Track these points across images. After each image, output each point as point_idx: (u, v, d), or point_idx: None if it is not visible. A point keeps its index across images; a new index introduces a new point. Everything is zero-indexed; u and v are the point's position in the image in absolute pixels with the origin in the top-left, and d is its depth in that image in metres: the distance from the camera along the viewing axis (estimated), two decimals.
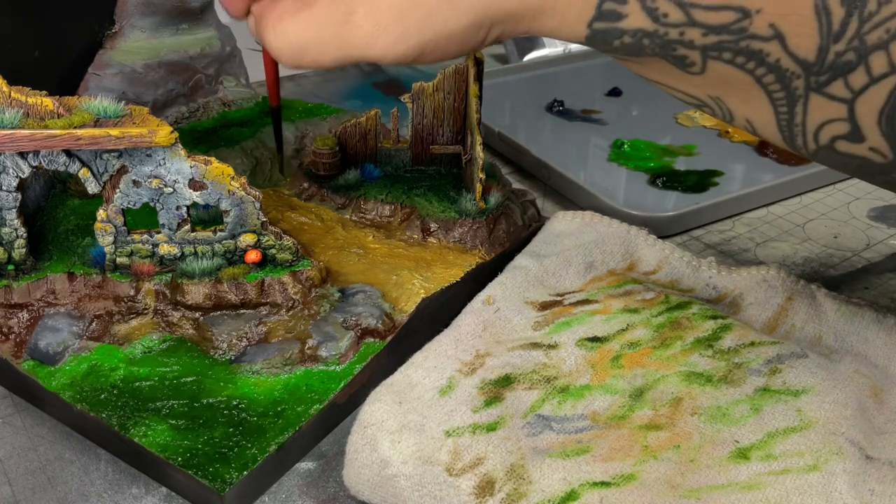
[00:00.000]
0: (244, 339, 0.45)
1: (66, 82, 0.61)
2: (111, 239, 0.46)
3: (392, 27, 0.35)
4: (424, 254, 0.51)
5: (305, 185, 0.56)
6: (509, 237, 0.52)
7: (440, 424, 0.37)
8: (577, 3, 0.34)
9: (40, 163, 0.43)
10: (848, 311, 0.44)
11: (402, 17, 0.34)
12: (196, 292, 0.46)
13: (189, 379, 0.42)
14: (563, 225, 0.51)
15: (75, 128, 0.42)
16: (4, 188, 0.44)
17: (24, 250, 0.46)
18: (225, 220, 0.46)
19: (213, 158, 0.44)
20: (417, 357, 0.41)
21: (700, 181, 0.63)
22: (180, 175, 0.44)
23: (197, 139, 0.62)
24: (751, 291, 0.46)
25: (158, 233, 0.46)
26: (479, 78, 0.52)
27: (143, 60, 0.63)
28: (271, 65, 0.51)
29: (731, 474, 0.35)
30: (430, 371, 0.40)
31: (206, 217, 0.47)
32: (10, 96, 0.42)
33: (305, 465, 0.41)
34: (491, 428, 0.37)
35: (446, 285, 0.48)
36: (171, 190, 0.44)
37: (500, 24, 0.35)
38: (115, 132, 0.42)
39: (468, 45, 0.36)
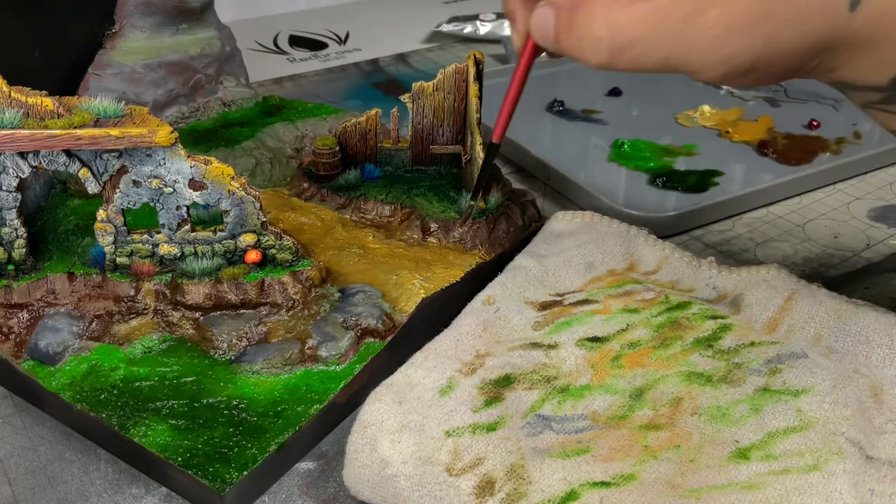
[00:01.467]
0: (244, 339, 0.45)
1: (66, 82, 0.61)
2: (111, 239, 0.46)
3: (742, 35, 0.33)
4: (424, 254, 0.51)
5: (305, 185, 0.56)
6: (509, 237, 0.52)
7: (440, 424, 0.37)
8: None
9: (40, 163, 0.43)
10: (848, 311, 0.44)
11: (754, 27, 0.33)
12: (196, 292, 0.46)
13: (189, 379, 0.42)
14: (563, 225, 0.51)
15: (75, 128, 0.42)
16: (4, 188, 0.44)
17: (24, 250, 0.46)
18: (225, 220, 0.46)
19: (213, 158, 0.44)
20: (417, 357, 0.41)
21: (700, 181, 0.63)
22: (180, 175, 0.44)
23: (197, 139, 0.62)
24: (751, 291, 0.46)
25: (158, 233, 0.46)
26: (479, 78, 0.52)
27: (143, 60, 0.63)
28: (518, 88, 0.44)
29: (731, 474, 0.35)
30: (430, 371, 0.40)
31: (206, 217, 0.47)
32: (10, 96, 0.42)
33: (305, 465, 0.41)
34: (491, 428, 0.37)
35: (446, 285, 0.48)
36: (171, 190, 0.44)
37: (826, 54, 0.34)
38: (115, 132, 0.42)
39: (791, 70, 0.35)
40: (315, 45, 0.94)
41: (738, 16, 0.33)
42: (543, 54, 0.40)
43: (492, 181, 0.54)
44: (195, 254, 0.46)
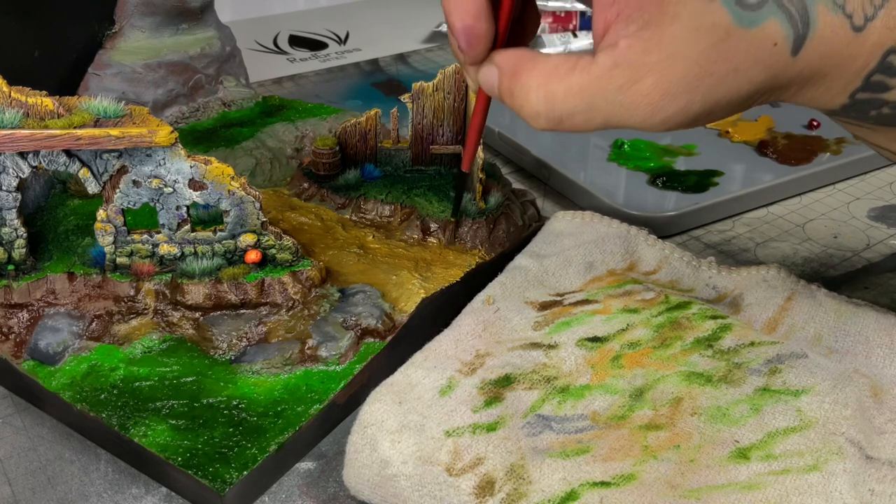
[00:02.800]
0: (244, 339, 0.45)
1: (66, 82, 0.61)
2: (111, 239, 0.46)
3: (679, 97, 0.33)
4: (424, 254, 0.51)
5: (305, 185, 0.56)
6: (509, 237, 0.52)
7: (440, 424, 0.37)
8: (847, 73, 0.34)
9: (40, 163, 0.43)
10: (848, 311, 0.44)
11: (692, 87, 0.33)
12: (196, 292, 0.46)
13: (189, 379, 0.42)
14: (563, 225, 0.51)
15: (75, 128, 0.42)
16: (4, 188, 0.44)
17: (24, 250, 0.46)
18: (225, 220, 0.46)
19: (213, 158, 0.44)
20: (417, 357, 0.41)
21: (700, 181, 0.63)
22: (180, 175, 0.44)
23: (197, 139, 0.62)
24: (751, 291, 0.46)
25: (158, 233, 0.46)
26: None
27: (143, 60, 0.63)
28: (479, 122, 0.43)
29: (731, 474, 0.35)
30: (430, 371, 0.40)
31: (206, 217, 0.47)
32: (10, 96, 0.42)
33: (305, 465, 0.41)
34: (491, 428, 0.37)
35: (446, 285, 0.48)
36: (171, 190, 0.44)
37: (769, 93, 0.34)
38: (115, 132, 0.42)
39: (735, 111, 0.35)
40: (315, 45, 0.94)
41: (673, 81, 0.33)
42: None
43: (491, 181, 0.54)
44: (195, 254, 0.46)
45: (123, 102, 0.44)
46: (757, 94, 0.34)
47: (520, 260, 0.48)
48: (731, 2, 0.32)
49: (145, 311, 0.45)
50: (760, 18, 0.32)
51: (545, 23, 0.91)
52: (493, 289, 0.46)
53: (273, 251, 0.47)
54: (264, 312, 0.46)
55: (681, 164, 0.65)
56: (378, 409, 0.38)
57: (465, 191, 0.50)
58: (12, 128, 0.41)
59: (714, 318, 0.43)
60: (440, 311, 0.46)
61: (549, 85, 0.34)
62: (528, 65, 0.35)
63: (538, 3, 0.40)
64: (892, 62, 0.34)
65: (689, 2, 0.32)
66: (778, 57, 0.33)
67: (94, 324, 0.45)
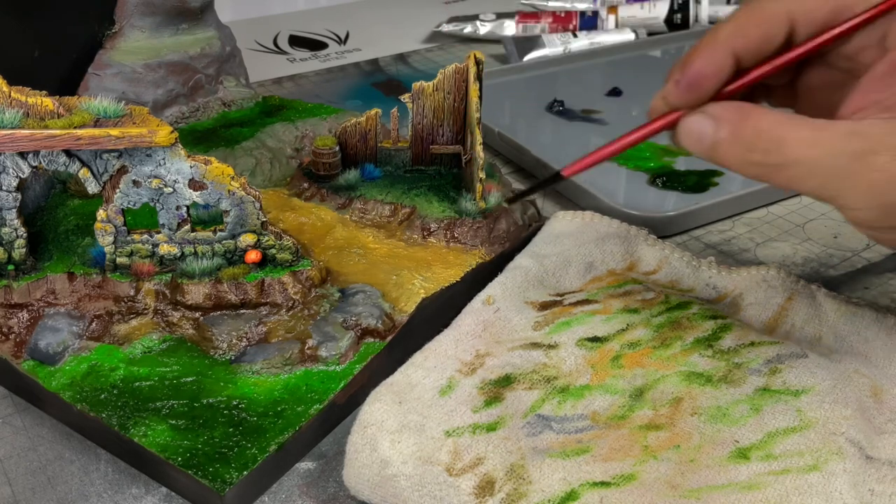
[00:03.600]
0: (244, 339, 0.45)
1: (66, 82, 0.61)
2: (111, 239, 0.46)
3: None
4: (424, 254, 0.51)
5: (305, 185, 0.56)
6: (509, 237, 0.52)
7: (440, 424, 0.37)
8: None
9: (40, 163, 0.43)
10: (848, 311, 0.44)
11: None
12: (196, 292, 0.46)
13: (189, 379, 0.42)
14: (563, 225, 0.51)
15: (75, 128, 0.42)
16: (4, 188, 0.44)
17: (24, 250, 0.46)
18: (225, 220, 0.46)
19: (213, 158, 0.44)
20: (417, 357, 0.41)
21: (700, 181, 0.63)
22: (180, 175, 0.44)
23: (197, 139, 0.62)
24: (751, 291, 0.46)
25: (158, 233, 0.46)
26: (479, 78, 0.52)
27: (143, 60, 0.63)
28: (635, 141, 0.39)
29: (731, 474, 0.35)
30: (430, 371, 0.40)
31: (206, 217, 0.47)
32: (10, 96, 0.42)
33: (305, 465, 0.41)
34: (491, 428, 0.37)
35: (446, 285, 0.48)
36: (171, 190, 0.44)
37: None
38: (115, 132, 0.42)
39: None
40: (315, 45, 0.94)
41: None
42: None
43: (491, 181, 0.54)
44: (195, 254, 0.46)
45: (123, 102, 0.44)
46: None
47: (520, 260, 0.48)
48: None
49: (145, 311, 0.45)
50: None
51: (545, 23, 0.92)
52: (493, 289, 0.46)
53: (273, 251, 0.47)
54: (264, 312, 0.46)
55: (681, 164, 0.65)
56: (378, 409, 0.38)
57: (540, 187, 0.48)
58: (12, 128, 0.41)
59: (714, 318, 0.43)
60: (440, 311, 0.46)
61: (784, 129, 0.34)
62: (761, 110, 0.35)
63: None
64: None
65: None
66: None
67: (94, 324, 0.45)
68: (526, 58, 0.86)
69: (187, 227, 0.46)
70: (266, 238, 0.46)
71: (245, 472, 0.38)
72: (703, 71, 0.36)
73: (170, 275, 0.46)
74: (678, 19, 0.92)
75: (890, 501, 0.34)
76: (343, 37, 0.97)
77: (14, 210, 0.45)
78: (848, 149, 0.32)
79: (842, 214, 0.34)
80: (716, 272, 0.48)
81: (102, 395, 0.41)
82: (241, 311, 0.46)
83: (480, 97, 0.52)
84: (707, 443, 0.36)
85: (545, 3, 1.01)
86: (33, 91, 0.43)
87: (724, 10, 0.94)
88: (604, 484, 0.35)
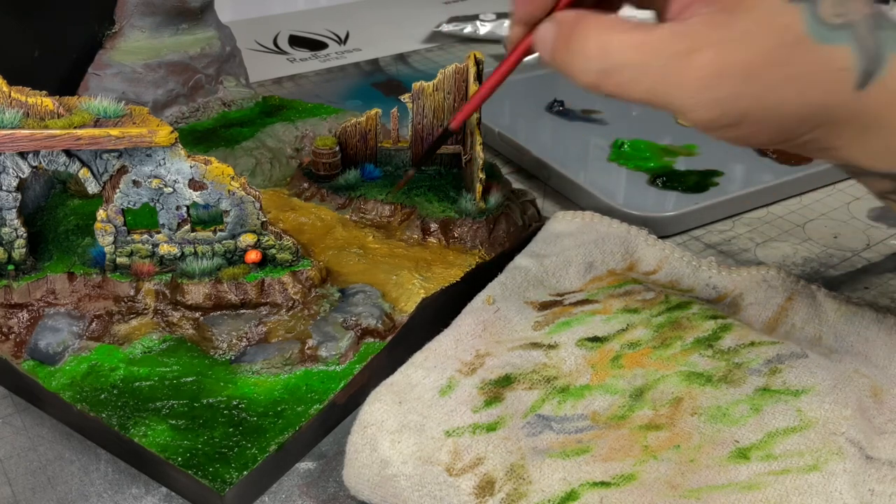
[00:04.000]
0: (244, 339, 0.45)
1: (66, 82, 0.61)
2: (111, 239, 0.46)
3: (732, 83, 0.32)
4: (424, 254, 0.51)
5: (305, 185, 0.56)
6: (509, 237, 0.52)
7: (440, 424, 0.37)
8: None
9: (40, 163, 0.43)
10: (848, 311, 0.44)
11: (747, 78, 0.32)
12: (196, 292, 0.46)
13: (189, 379, 0.42)
14: (563, 225, 0.51)
15: (75, 128, 0.42)
16: (4, 188, 0.44)
17: (24, 250, 0.46)
18: (225, 220, 0.46)
19: (213, 158, 0.44)
20: (417, 357, 0.41)
21: (700, 181, 0.63)
22: (180, 175, 0.44)
23: (197, 139, 0.62)
24: (751, 291, 0.46)
25: (158, 233, 0.46)
26: (479, 78, 0.52)
27: (143, 60, 0.63)
28: (492, 86, 0.42)
29: (731, 474, 0.35)
30: (430, 371, 0.40)
31: (206, 217, 0.47)
32: (10, 96, 0.42)
33: (305, 465, 0.41)
34: (491, 428, 0.37)
35: (446, 285, 0.48)
36: (171, 190, 0.44)
37: (825, 127, 0.33)
38: (115, 132, 0.42)
39: (782, 135, 0.34)
40: (315, 45, 0.94)
41: (731, 63, 0.32)
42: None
43: (492, 181, 0.54)
44: (195, 254, 0.46)
45: (123, 102, 0.44)
46: (810, 122, 0.33)
47: (520, 260, 0.48)
48: (810, 12, 0.32)
49: (145, 311, 0.45)
50: (834, 39, 0.32)
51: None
52: (493, 289, 0.46)
53: (273, 251, 0.47)
54: (264, 312, 0.46)
55: (681, 164, 0.65)
56: (378, 409, 0.38)
57: (438, 147, 0.49)
58: (12, 128, 0.41)
59: (714, 318, 0.43)
60: (440, 311, 0.46)
61: (608, 34, 0.34)
62: (591, 17, 0.35)
63: None
64: None
65: None
66: (841, 84, 0.32)
67: (94, 324, 0.45)
68: (526, 58, 0.86)
69: (187, 227, 0.46)
70: (266, 238, 0.46)
71: (245, 472, 0.38)
72: None
73: (170, 275, 0.46)
74: None
75: (890, 501, 0.34)
76: (343, 37, 0.97)
77: (14, 210, 0.45)
78: (672, 49, 0.33)
79: (681, 118, 0.34)
80: (716, 272, 0.48)
81: (102, 395, 0.41)
82: (241, 311, 0.46)
83: None
84: (707, 443, 0.36)
85: None
86: (33, 91, 0.43)
87: None
88: (604, 484, 0.35)
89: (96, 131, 0.42)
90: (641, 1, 0.39)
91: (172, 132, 0.42)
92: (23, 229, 0.46)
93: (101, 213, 0.45)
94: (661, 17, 0.36)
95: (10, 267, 0.46)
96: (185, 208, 0.45)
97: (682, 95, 0.33)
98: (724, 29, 0.32)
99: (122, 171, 0.44)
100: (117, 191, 0.44)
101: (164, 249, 0.46)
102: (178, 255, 0.46)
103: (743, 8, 0.32)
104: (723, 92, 0.32)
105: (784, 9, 0.32)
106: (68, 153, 0.43)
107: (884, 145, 0.34)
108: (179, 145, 0.43)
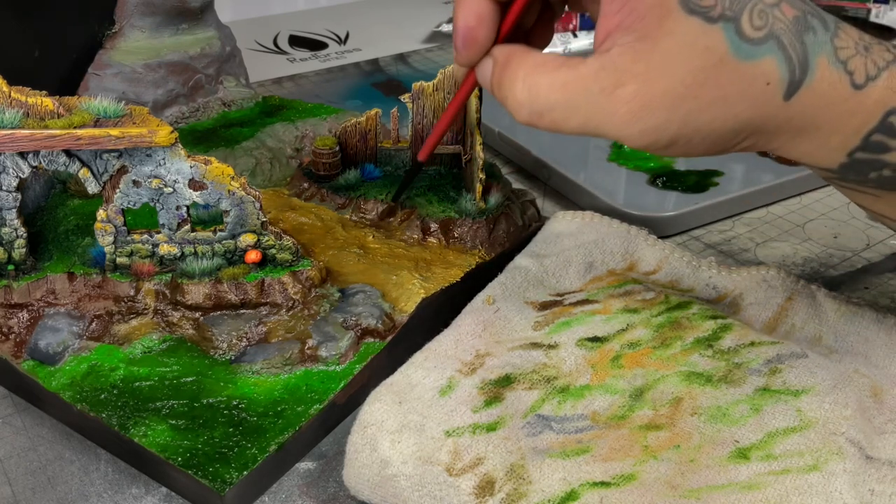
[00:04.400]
0: (244, 339, 0.45)
1: (66, 82, 0.61)
2: (111, 239, 0.46)
3: (659, 112, 0.32)
4: (424, 254, 0.51)
5: (305, 185, 0.56)
6: (509, 237, 0.52)
7: (440, 424, 0.37)
8: (845, 130, 0.33)
9: (40, 163, 0.43)
10: (848, 311, 0.44)
11: (673, 106, 0.32)
12: (196, 292, 0.46)
13: (189, 379, 0.42)
14: (563, 225, 0.51)
15: (75, 128, 0.42)
16: (4, 188, 0.44)
17: (24, 250, 0.46)
18: (225, 220, 0.46)
19: (213, 158, 0.44)
20: (417, 357, 0.41)
21: (700, 181, 0.63)
22: (180, 175, 0.44)
23: (197, 139, 0.62)
24: (751, 291, 0.46)
25: (158, 233, 0.46)
26: None
27: (143, 60, 0.63)
28: (448, 119, 0.43)
29: (731, 474, 0.35)
30: (430, 371, 0.40)
31: (206, 217, 0.47)
32: (10, 96, 0.42)
33: (305, 465, 0.41)
34: (491, 428, 0.37)
35: (446, 285, 0.48)
36: (171, 190, 0.44)
37: (758, 135, 0.34)
38: (115, 132, 0.42)
39: (716, 147, 0.34)
40: (315, 45, 0.94)
41: (655, 94, 0.32)
42: None
43: (492, 181, 0.54)
44: (195, 254, 0.46)
45: (123, 102, 0.44)
46: (742, 134, 0.34)
47: (520, 260, 0.48)
48: (732, 30, 0.32)
49: (145, 311, 0.45)
50: (758, 53, 0.32)
51: None
52: (493, 289, 0.46)
53: (273, 251, 0.47)
54: (264, 312, 0.46)
55: (681, 164, 0.65)
56: (378, 409, 0.38)
57: (412, 180, 0.51)
58: (12, 128, 0.41)
59: (714, 318, 0.43)
60: (440, 311, 0.46)
61: (535, 76, 0.34)
62: (520, 56, 0.35)
63: None
64: (893, 123, 0.33)
65: (689, 22, 0.32)
66: (769, 97, 0.33)
67: (94, 324, 0.45)
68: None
69: (187, 227, 0.46)
70: (266, 238, 0.46)
71: (245, 472, 0.38)
72: (468, 24, 0.37)
73: (170, 275, 0.46)
74: None
75: (890, 501, 0.34)
76: (343, 37, 0.97)
77: (14, 210, 0.45)
78: (597, 86, 0.33)
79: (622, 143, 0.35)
80: (716, 272, 0.48)
81: (102, 395, 0.41)
82: (241, 311, 0.46)
83: (480, 97, 0.52)
84: (707, 443, 0.36)
85: None
86: (33, 91, 0.43)
87: None
88: (604, 484, 0.35)
89: (96, 131, 0.42)
90: (576, 5, 0.39)
91: (172, 132, 0.42)
92: (23, 229, 0.46)
93: (101, 213, 0.45)
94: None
95: (10, 267, 0.46)
96: (185, 208, 0.45)
97: (613, 129, 0.33)
98: (645, 58, 0.32)
99: (122, 171, 0.44)
100: (117, 191, 0.44)
101: (164, 249, 0.46)
102: (178, 255, 0.46)
103: (662, 34, 0.32)
104: (651, 122, 0.33)
105: (704, 31, 0.32)
106: (68, 153, 0.43)
107: (819, 145, 0.34)
108: (179, 145, 0.43)
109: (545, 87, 0.34)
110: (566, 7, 0.41)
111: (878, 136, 0.33)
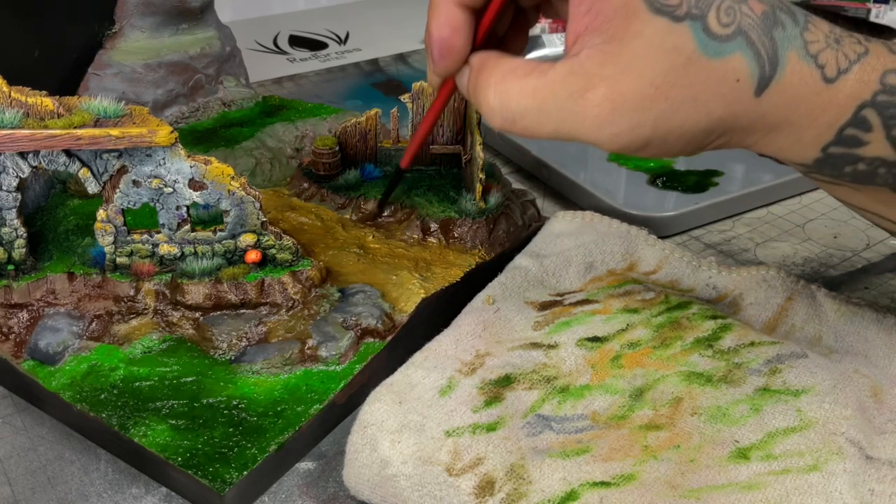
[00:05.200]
0: (244, 339, 0.45)
1: (66, 82, 0.61)
2: (111, 239, 0.46)
3: (629, 115, 0.32)
4: (424, 254, 0.51)
5: (305, 185, 0.56)
6: (509, 237, 0.52)
7: (440, 424, 0.37)
8: (818, 125, 0.33)
9: (40, 163, 0.43)
10: (848, 311, 0.44)
11: (644, 107, 0.32)
12: (196, 292, 0.46)
13: (189, 379, 0.42)
14: (563, 225, 0.51)
15: (75, 128, 0.42)
16: (4, 188, 0.44)
17: (24, 250, 0.46)
18: (225, 220, 0.46)
19: (213, 158, 0.44)
20: (417, 357, 0.41)
21: (700, 181, 0.63)
22: (180, 175, 0.44)
23: (197, 139, 0.62)
24: (751, 291, 0.46)
25: (158, 233, 0.46)
26: None
27: (143, 60, 0.63)
28: (428, 126, 0.44)
29: (731, 474, 0.35)
30: (430, 371, 0.40)
31: (206, 217, 0.47)
32: (10, 96, 0.42)
33: (305, 465, 0.41)
34: (491, 428, 0.37)
35: (446, 285, 0.48)
36: (171, 190, 0.44)
37: (731, 133, 0.34)
38: (115, 132, 0.42)
39: (691, 147, 0.34)
40: (315, 45, 0.94)
41: (625, 96, 0.32)
42: None
43: (491, 181, 0.54)
44: (195, 254, 0.46)
45: (123, 102, 0.44)
46: (716, 132, 0.34)
47: (520, 260, 0.48)
48: (699, 28, 0.32)
49: (145, 311, 0.45)
50: (726, 51, 0.32)
51: (545, 23, 0.91)
52: (493, 289, 0.46)
53: (273, 251, 0.47)
54: (264, 312, 0.46)
55: (681, 163, 0.65)
56: (378, 409, 0.38)
57: (395, 188, 0.51)
58: (12, 128, 0.41)
59: (714, 318, 0.43)
60: (440, 311, 0.46)
61: (505, 83, 0.34)
62: (492, 63, 0.35)
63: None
64: (866, 116, 0.33)
65: (656, 22, 0.32)
66: (740, 94, 0.32)
67: (94, 324, 0.45)
68: (526, 58, 0.86)
69: (187, 227, 0.46)
70: (266, 238, 0.46)
71: (245, 472, 0.38)
72: (442, 35, 0.37)
73: (170, 275, 0.46)
74: None
75: (890, 501, 0.34)
76: (343, 37, 0.97)
77: (14, 210, 0.45)
78: (566, 91, 0.33)
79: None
80: (716, 272, 0.48)
81: (102, 395, 0.41)
82: (241, 311, 0.46)
83: None
84: (707, 443, 0.36)
85: None
86: (33, 91, 0.43)
87: None
88: (604, 484, 0.35)
89: (96, 131, 0.42)
90: (552, 13, 0.39)
91: (172, 132, 0.42)
92: (23, 229, 0.46)
93: (101, 213, 0.45)
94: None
95: (10, 267, 0.46)
96: (185, 208, 0.45)
97: (584, 133, 0.33)
98: (614, 61, 0.32)
99: (122, 171, 0.44)
100: (117, 191, 0.44)
101: (164, 249, 0.46)
102: (178, 255, 0.46)
103: (630, 35, 0.32)
104: (622, 125, 0.33)
105: (671, 30, 0.32)
106: (68, 153, 0.43)
107: (793, 140, 0.34)
108: (179, 145, 0.43)
109: (515, 94, 0.34)
110: (539, 13, 0.41)
111: (851, 131, 0.33)
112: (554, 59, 0.33)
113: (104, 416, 0.40)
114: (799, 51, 0.33)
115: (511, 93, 0.34)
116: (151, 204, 0.45)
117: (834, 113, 0.33)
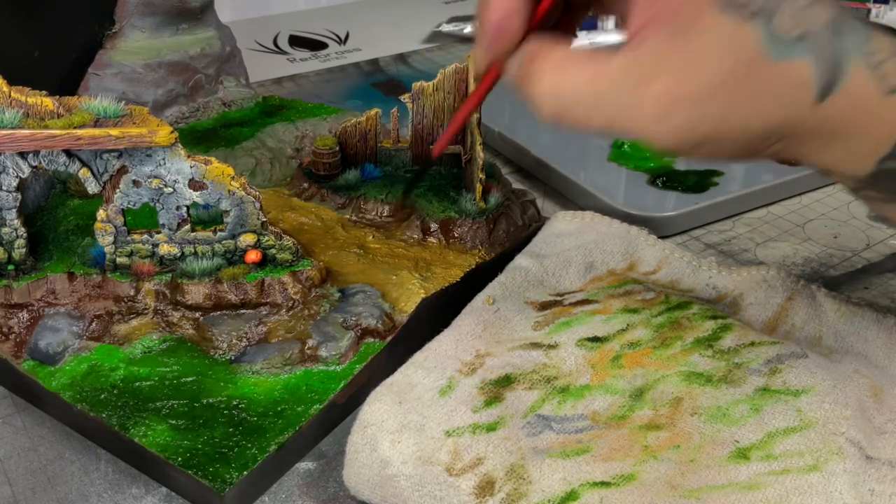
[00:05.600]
0: (244, 339, 0.45)
1: (66, 82, 0.61)
2: (111, 239, 0.46)
3: (688, 111, 0.31)
4: (424, 254, 0.51)
5: (305, 185, 0.56)
6: (509, 237, 0.52)
7: (440, 424, 0.37)
8: (876, 136, 0.33)
9: (40, 163, 0.43)
10: (848, 311, 0.44)
11: (704, 103, 0.31)
12: (196, 292, 0.46)
13: (189, 379, 0.42)
14: (563, 225, 0.51)
15: (75, 128, 0.42)
16: (4, 188, 0.44)
17: (24, 250, 0.46)
18: (225, 220, 0.46)
19: (213, 158, 0.44)
20: (417, 357, 0.41)
21: (700, 181, 0.63)
22: (180, 175, 0.44)
23: (197, 139, 0.62)
24: (751, 291, 0.46)
25: (158, 233, 0.46)
26: (478, 78, 0.52)
27: (143, 60, 0.63)
28: (466, 113, 0.42)
29: (731, 474, 0.35)
30: (430, 371, 0.40)
31: (206, 217, 0.47)
32: (10, 96, 0.42)
33: (305, 465, 0.41)
34: (491, 428, 0.37)
35: (446, 285, 0.48)
36: (171, 190, 0.44)
37: (789, 139, 0.33)
38: (115, 132, 0.42)
39: (745, 151, 0.33)
40: (315, 45, 0.94)
41: (685, 92, 0.31)
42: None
43: (491, 181, 0.54)
44: (195, 254, 0.46)
45: (123, 102, 0.44)
46: (773, 137, 0.33)
47: (520, 260, 0.48)
48: (766, 29, 0.31)
49: (145, 311, 0.45)
50: (793, 53, 0.31)
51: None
52: (493, 289, 0.46)
53: (273, 251, 0.47)
54: (264, 312, 0.46)
55: (681, 163, 0.65)
56: (378, 409, 0.38)
57: (423, 176, 0.50)
58: (12, 128, 0.41)
59: (714, 318, 0.43)
60: (440, 311, 0.46)
61: (561, 69, 0.33)
62: (548, 49, 0.34)
63: None
64: None
65: (723, 19, 0.31)
66: (802, 99, 0.32)
67: (94, 324, 0.45)
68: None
69: (187, 227, 0.46)
70: (266, 238, 0.46)
71: (245, 472, 0.38)
72: (499, 16, 0.35)
73: (170, 275, 0.46)
74: None
75: (890, 501, 0.34)
76: (343, 37, 0.97)
77: (14, 210, 0.45)
78: (626, 82, 0.32)
79: (647, 145, 0.34)
80: (716, 272, 0.48)
81: (102, 395, 0.41)
82: (241, 311, 0.46)
83: None
84: (707, 443, 0.36)
85: None
86: (33, 91, 0.43)
87: None
88: (604, 484, 0.35)
89: (96, 131, 0.42)
90: (605, 8, 0.38)
91: (172, 132, 0.42)
92: (23, 229, 0.46)
93: (101, 213, 0.45)
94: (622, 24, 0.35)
95: (10, 267, 0.46)
96: (185, 208, 0.45)
97: (639, 126, 0.33)
98: (677, 54, 0.31)
99: (122, 171, 0.44)
100: (117, 191, 0.44)
101: (164, 249, 0.46)
102: (178, 255, 0.46)
103: (696, 30, 0.31)
104: (680, 120, 0.32)
105: (739, 28, 0.31)
106: (68, 153, 0.43)
107: (849, 151, 0.34)
108: (179, 145, 0.43)
109: (571, 81, 0.33)
110: (588, 12, 0.40)
111: None
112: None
113: (104, 416, 0.40)
114: (862, 60, 0.32)
115: (567, 80, 0.33)
116: (151, 204, 0.45)
117: (893, 125, 0.33)
